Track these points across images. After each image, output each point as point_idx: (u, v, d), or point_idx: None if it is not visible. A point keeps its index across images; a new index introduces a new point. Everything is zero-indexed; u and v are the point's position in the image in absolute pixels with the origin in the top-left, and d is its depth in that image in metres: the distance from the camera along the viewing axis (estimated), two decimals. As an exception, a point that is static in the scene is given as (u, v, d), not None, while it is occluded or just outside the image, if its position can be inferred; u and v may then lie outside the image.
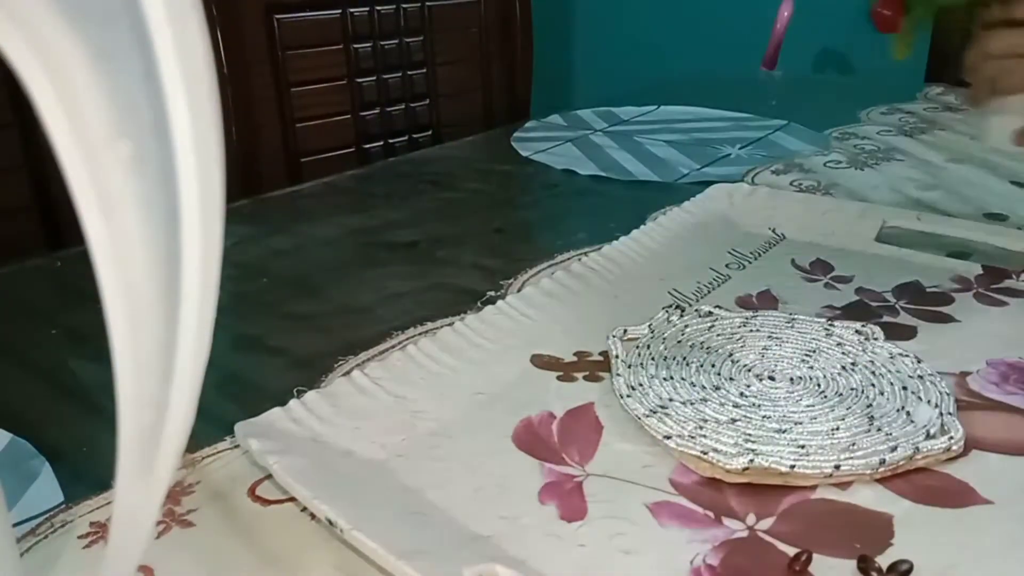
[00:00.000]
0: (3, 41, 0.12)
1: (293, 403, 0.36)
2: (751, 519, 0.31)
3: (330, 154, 0.99)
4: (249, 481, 0.33)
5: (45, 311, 0.50)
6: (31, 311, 0.51)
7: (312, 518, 0.31)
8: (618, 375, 0.39)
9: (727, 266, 0.53)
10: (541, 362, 0.42)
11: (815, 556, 0.29)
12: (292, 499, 0.32)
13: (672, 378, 0.38)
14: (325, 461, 0.33)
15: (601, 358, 0.42)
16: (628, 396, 0.37)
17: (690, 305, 0.48)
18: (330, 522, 0.29)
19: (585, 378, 0.40)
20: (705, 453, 0.33)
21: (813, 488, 0.32)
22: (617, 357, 0.40)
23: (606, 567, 0.29)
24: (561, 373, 0.41)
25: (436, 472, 0.34)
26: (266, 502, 0.32)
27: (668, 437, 0.34)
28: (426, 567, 0.26)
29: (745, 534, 0.30)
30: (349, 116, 1.00)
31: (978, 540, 0.30)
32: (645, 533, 0.30)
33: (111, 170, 0.13)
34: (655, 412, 0.35)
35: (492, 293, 0.50)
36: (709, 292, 0.49)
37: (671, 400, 0.36)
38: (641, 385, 0.38)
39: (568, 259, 0.54)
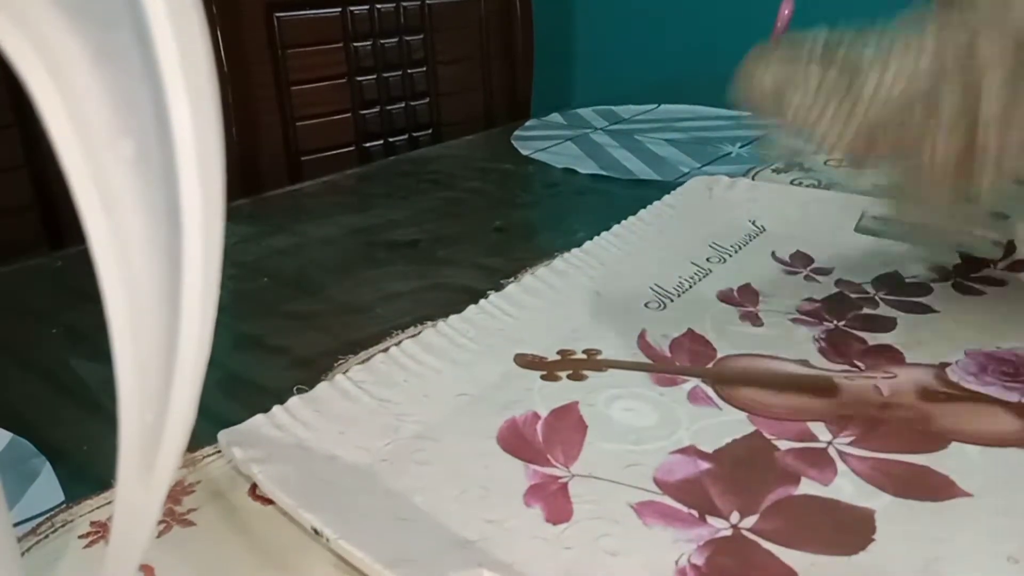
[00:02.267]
0: (4, 40, 0.12)
1: (276, 409, 0.36)
2: (735, 517, 0.31)
3: (330, 153, 0.99)
4: (249, 481, 0.33)
5: (45, 311, 0.50)
6: (31, 311, 0.51)
7: (313, 517, 0.31)
8: None
9: (708, 260, 0.53)
10: (524, 361, 0.41)
11: (798, 552, 0.29)
12: (293, 498, 0.32)
13: None
14: (310, 468, 0.33)
15: (584, 356, 0.42)
16: None
17: (672, 300, 0.48)
18: (315, 531, 0.29)
19: (569, 377, 0.40)
20: None
21: (796, 483, 0.33)
22: None
23: (592, 569, 0.29)
24: (545, 372, 0.41)
25: (421, 476, 0.33)
26: (267, 501, 0.32)
27: None
28: (413, 575, 0.26)
29: (729, 532, 0.30)
30: (349, 115, 1.00)
31: (958, 534, 0.30)
32: (630, 534, 0.30)
33: (112, 169, 0.13)
34: None
35: (492, 292, 0.50)
36: (691, 287, 0.49)
37: None
38: None
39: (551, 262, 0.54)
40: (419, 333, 0.43)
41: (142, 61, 0.12)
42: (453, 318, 0.44)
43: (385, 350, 0.41)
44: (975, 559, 0.29)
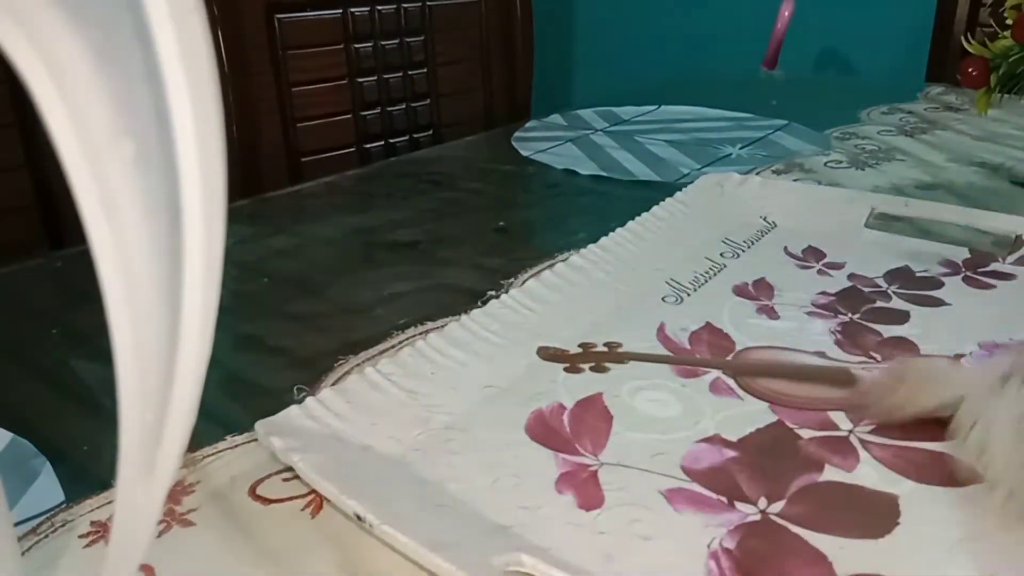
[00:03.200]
0: (5, 40, 0.12)
1: (310, 401, 0.37)
2: (763, 502, 0.32)
3: (331, 154, 0.99)
4: (249, 481, 0.33)
5: (46, 311, 0.50)
6: (32, 311, 0.51)
7: (312, 517, 0.31)
8: None
9: (721, 255, 0.53)
10: (547, 354, 0.42)
11: (827, 536, 0.30)
12: (292, 498, 0.32)
13: None
14: (345, 457, 0.34)
15: (606, 349, 0.43)
16: None
17: (688, 295, 0.48)
18: (359, 517, 0.30)
19: (592, 369, 0.41)
20: None
21: (821, 469, 0.33)
22: None
23: (627, 553, 0.29)
24: (567, 365, 0.41)
25: (453, 465, 0.34)
26: (267, 501, 0.32)
27: None
28: (456, 558, 0.27)
29: (758, 517, 0.31)
30: (350, 116, 1.00)
31: (982, 516, 0.30)
32: (661, 519, 0.31)
33: (113, 169, 0.13)
34: None
35: (492, 293, 0.50)
36: (706, 281, 0.50)
37: None
38: None
39: (569, 258, 0.54)
40: (443, 326, 0.44)
41: (143, 61, 0.12)
42: (476, 312, 0.45)
43: (411, 343, 0.42)
44: (998, 540, 0.29)
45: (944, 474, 0.33)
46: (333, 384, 0.39)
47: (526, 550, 0.28)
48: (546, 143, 0.82)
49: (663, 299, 0.48)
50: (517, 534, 0.30)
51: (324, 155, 0.98)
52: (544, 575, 0.27)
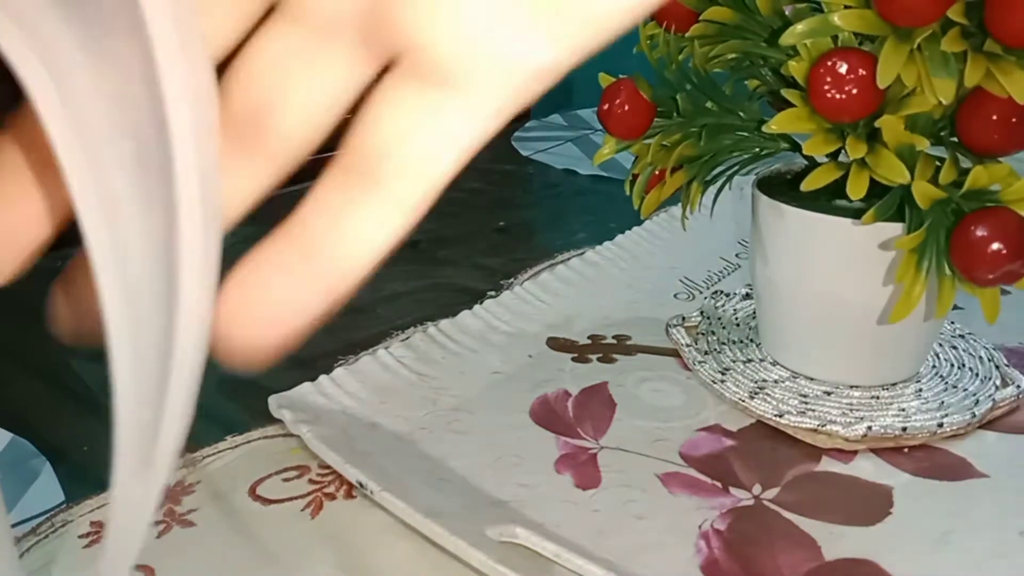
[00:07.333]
0: (3, 40, 0.12)
1: (323, 378, 0.38)
2: (757, 488, 0.32)
3: (331, 154, 0.99)
4: (249, 481, 0.33)
5: (45, 311, 0.50)
6: (31, 311, 0.51)
7: (312, 517, 0.31)
8: (700, 362, 0.40)
9: (737, 255, 0.54)
10: (557, 344, 0.43)
11: (818, 522, 0.30)
12: (292, 498, 0.32)
13: (752, 360, 0.40)
14: (353, 431, 0.35)
15: (615, 341, 0.43)
16: (722, 381, 0.38)
17: (700, 292, 0.49)
18: (360, 484, 0.31)
19: (599, 360, 0.42)
20: (822, 426, 0.34)
21: (817, 460, 0.34)
22: (689, 346, 0.42)
23: (619, 530, 0.30)
24: (576, 355, 0.42)
25: (457, 443, 0.35)
26: (266, 502, 0.32)
27: (779, 415, 0.35)
28: (452, 526, 0.28)
29: (751, 502, 0.31)
30: (350, 115, 1.00)
31: (973, 510, 0.31)
32: (656, 500, 0.32)
33: (111, 169, 0.13)
34: (756, 394, 0.37)
35: (492, 293, 0.50)
36: (720, 280, 0.51)
37: (764, 381, 0.38)
38: (728, 370, 0.39)
39: (568, 258, 0.54)
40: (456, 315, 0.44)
41: (141, 61, 0.12)
42: (489, 302, 0.46)
43: (424, 329, 0.43)
44: (988, 533, 0.30)
45: (940, 468, 0.33)
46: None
47: (521, 523, 0.29)
48: (546, 143, 0.82)
49: (675, 296, 0.48)
50: (514, 508, 0.31)
51: (324, 155, 0.98)
52: (537, 547, 0.28)
